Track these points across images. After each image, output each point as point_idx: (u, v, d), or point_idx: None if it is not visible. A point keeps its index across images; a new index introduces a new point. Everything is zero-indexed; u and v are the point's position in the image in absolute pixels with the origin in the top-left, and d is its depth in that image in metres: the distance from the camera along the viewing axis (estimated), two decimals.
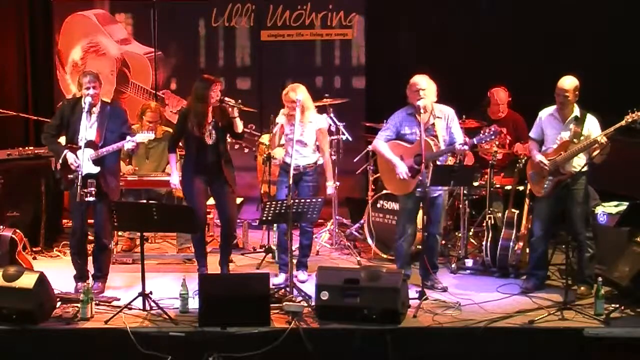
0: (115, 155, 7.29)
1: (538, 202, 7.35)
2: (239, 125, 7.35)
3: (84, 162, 7.03)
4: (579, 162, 7.07)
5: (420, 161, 7.04)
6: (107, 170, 7.22)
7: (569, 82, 7.05)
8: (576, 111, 7.11)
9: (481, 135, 7.16)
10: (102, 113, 7.20)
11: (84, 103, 7.09)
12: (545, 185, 7.14)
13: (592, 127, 7.07)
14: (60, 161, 7.16)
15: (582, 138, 7.02)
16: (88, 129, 7.09)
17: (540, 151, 7.25)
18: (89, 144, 7.09)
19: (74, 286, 7.34)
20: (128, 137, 7.19)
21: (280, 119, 7.54)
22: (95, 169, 7.11)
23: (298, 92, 7.38)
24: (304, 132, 7.44)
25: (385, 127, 7.48)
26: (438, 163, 7.31)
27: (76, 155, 7.08)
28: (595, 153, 6.94)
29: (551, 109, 7.23)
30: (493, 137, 7.16)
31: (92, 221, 7.37)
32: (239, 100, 7.37)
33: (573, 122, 7.09)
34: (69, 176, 7.14)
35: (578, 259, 7.24)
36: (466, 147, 7.27)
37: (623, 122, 6.80)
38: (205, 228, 7.80)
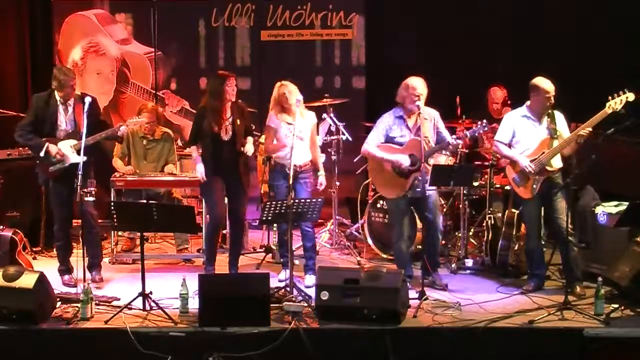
0: (97, 143, 7.38)
1: (526, 205, 7.32)
2: (250, 150, 7.38)
3: (68, 154, 7.13)
4: (559, 157, 7.16)
5: (415, 161, 7.11)
6: (92, 156, 7.35)
7: (551, 84, 7.09)
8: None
9: (473, 128, 7.21)
10: (78, 104, 7.26)
11: (59, 97, 7.22)
12: (534, 186, 7.15)
13: (561, 122, 7.16)
14: (42, 154, 7.23)
15: (557, 134, 7.07)
16: (67, 122, 7.20)
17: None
18: (71, 135, 7.22)
19: (59, 280, 7.43)
20: (121, 124, 7.38)
21: (274, 122, 7.48)
22: (82, 159, 7.07)
23: (297, 92, 7.39)
24: (302, 128, 7.43)
25: (374, 131, 7.41)
26: (436, 163, 7.34)
27: (57, 147, 7.17)
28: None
29: (521, 111, 7.26)
30: (485, 128, 7.19)
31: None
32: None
33: (547, 120, 7.13)
34: (51, 168, 7.24)
35: (565, 259, 7.23)
36: (460, 142, 7.28)
37: (607, 110, 6.83)
38: (220, 228, 7.77)
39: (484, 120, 7.25)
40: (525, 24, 9.63)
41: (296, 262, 7.66)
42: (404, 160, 7.21)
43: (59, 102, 7.23)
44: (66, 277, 7.50)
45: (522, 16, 9.62)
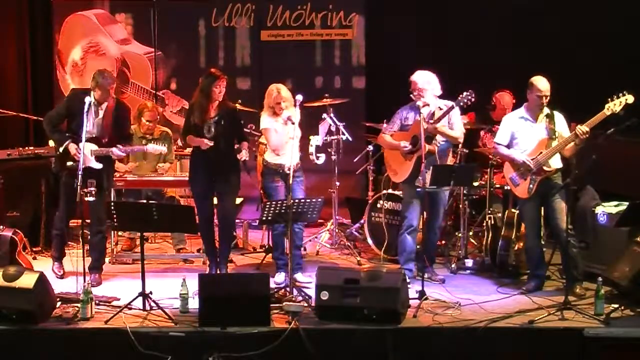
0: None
1: (523, 205, 7.36)
2: (243, 156, 7.37)
3: (87, 156, 7.18)
4: (558, 158, 7.15)
5: (416, 142, 7.28)
6: (109, 165, 7.49)
7: (547, 83, 7.09)
8: (545, 109, 7.15)
9: (458, 98, 7.25)
10: (110, 110, 7.39)
11: (94, 98, 7.30)
12: (530, 186, 7.16)
13: (561, 123, 7.16)
14: (62, 150, 7.31)
15: (556, 134, 7.06)
16: (94, 125, 7.29)
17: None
18: (94, 140, 7.28)
19: (51, 265, 7.61)
20: (145, 147, 7.66)
21: (268, 123, 7.52)
22: (98, 166, 7.29)
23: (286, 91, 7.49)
24: (295, 129, 7.45)
25: (391, 121, 7.67)
26: (438, 163, 7.37)
27: (77, 146, 7.20)
28: (571, 145, 7.02)
29: (518, 113, 7.30)
30: (469, 97, 7.22)
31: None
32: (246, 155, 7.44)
33: (545, 120, 7.12)
34: (68, 163, 7.28)
35: (564, 260, 7.24)
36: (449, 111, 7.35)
37: (606, 111, 6.83)
38: (213, 226, 7.71)
39: (470, 90, 7.24)
40: (525, 24, 9.63)
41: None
42: (403, 144, 7.44)
43: (92, 103, 7.29)
44: (56, 264, 7.64)
45: (521, 16, 9.61)
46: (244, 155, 7.37)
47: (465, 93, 7.23)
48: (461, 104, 7.28)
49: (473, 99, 7.28)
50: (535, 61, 9.05)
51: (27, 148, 8.69)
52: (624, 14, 9.37)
